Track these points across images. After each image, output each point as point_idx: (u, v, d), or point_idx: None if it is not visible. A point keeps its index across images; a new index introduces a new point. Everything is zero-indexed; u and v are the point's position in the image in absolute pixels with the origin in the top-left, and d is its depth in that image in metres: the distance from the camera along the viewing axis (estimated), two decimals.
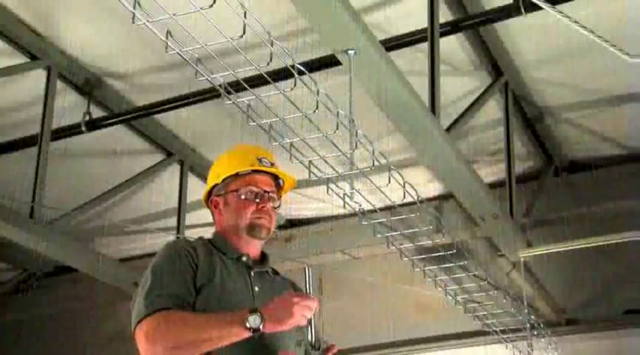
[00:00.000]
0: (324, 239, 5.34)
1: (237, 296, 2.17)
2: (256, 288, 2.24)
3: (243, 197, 2.30)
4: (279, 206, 2.40)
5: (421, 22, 3.13)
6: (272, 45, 1.73)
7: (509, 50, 3.81)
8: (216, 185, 2.39)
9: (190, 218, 4.86)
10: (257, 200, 2.30)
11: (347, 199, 2.11)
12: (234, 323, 1.91)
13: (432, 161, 3.07)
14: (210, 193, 2.42)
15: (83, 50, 3.84)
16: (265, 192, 2.32)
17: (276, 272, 2.40)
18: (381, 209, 2.38)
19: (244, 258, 2.30)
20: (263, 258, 2.39)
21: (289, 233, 5.54)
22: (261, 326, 1.89)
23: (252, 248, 2.34)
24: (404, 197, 2.22)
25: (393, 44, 3.31)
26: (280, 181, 2.42)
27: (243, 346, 2.09)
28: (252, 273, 2.27)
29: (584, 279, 4.70)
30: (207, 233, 2.46)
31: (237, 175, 2.34)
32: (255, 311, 1.89)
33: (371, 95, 2.55)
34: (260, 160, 2.32)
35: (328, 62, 3.32)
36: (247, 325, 1.88)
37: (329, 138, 1.94)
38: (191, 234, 4.97)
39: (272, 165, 2.34)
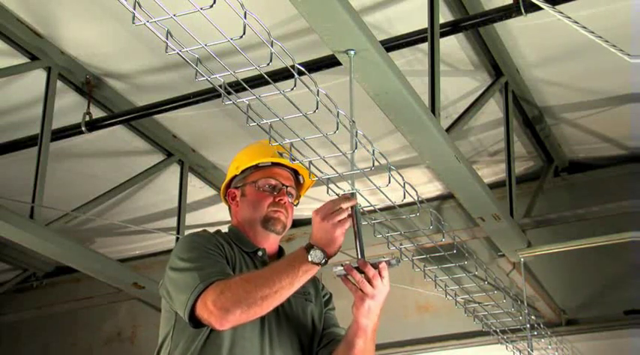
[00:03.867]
0: None
1: None
2: None
3: (261, 189, 2.29)
4: (297, 203, 2.39)
5: (421, 22, 3.13)
6: (272, 45, 1.73)
7: (509, 50, 3.81)
8: (234, 177, 2.38)
9: (190, 218, 4.86)
10: (275, 192, 2.29)
11: None
12: (300, 262, 1.89)
13: (432, 161, 3.07)
14: (227, 186, 2.41)
15: (83, 50, 3.84)
16: (284, 185, 2.31)
17: None
18: (381, 209, 2.38)
19: (260, 253, 2.28)
20: (280, 253, 2.37)
21: (290, 233, 5.54)
22: (325, 259, 1.88)
23: (269, 243, 2.32)
24: (404, 197, 2.22)
25: (393, 44, 3.31)
26: (300, 178, 2.42)
27: (251, 345, 2.08)
28: None
29: (584, 279, 4.70)
30: None
31: (256, 167, 2.33)
32: (310, 248, 1.88)
33: (371, 95, 2.55)
34: (281, 155, 2.30)
35: (328, 62, 3.32)
36: (313, 260, 1.86)
37: (329, 139, 1.94)
38: None
39: (292, 160, 2.35)
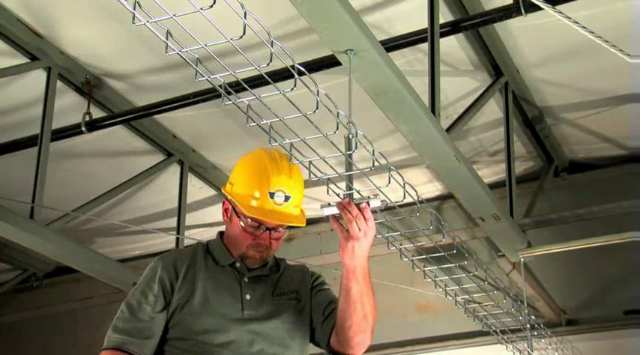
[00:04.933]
0: (324, 239, 5.35)
1: (221, 310, 2.15)
2: (247, 296, 2.20)
3: (243, 225, 2.22)
4: (283, 235, 2.28)
5: (421, 22, 3.13)
6: (272, 45, 1.72)
7: (509, 50, 3.81)
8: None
9: (190, 218, 4.86)
10: (259, 232, 2.21)
11: None
12: None
13: (432, 161, 3.07)
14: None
15: (83, 50, 3.84)
16: (268, 229, 2.21)
17: (278, 269, 2.35)
18: (381, 209, 2.38)
19: (237, 264, 2.27)
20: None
21: (289, 233, 5.53)
22: None
23: None
24: (404, 197, 2.22)
25: (393, 44, 3.31)
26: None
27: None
28: (245, 279, 2.25)
29: (584, 279, 4.70)
30: (207, 233, 2.46)
31: None
32: None
33: (371, 95, 2.55)
34: (272, 195, 2.19)
35: (328, 62, 3.32)
36: None
37: (329, 139, 1.93)
38: (191, 235, 4.98)
39: (286, 199, 2.21)
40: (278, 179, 2.20)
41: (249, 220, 2.20)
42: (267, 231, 2.21)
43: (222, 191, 2.36)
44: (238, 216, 2.22)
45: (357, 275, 2.05)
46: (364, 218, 1.98)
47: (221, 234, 2.36)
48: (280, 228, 2.25)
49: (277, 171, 2.21)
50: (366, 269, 2.07)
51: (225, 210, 2.32)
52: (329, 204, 2.01)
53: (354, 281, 2.06)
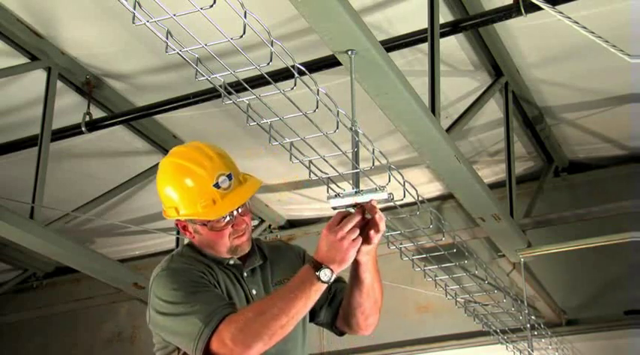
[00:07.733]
0: None
1: (241, 305, 2.14)
2: (254, 291, 2.21)
3: (216, 228, 2.17)
4: (250, 209, 2.26)
5: (421, 22, 3.14)
6: (272, 45, 1.73)
7: (510, 50, 3.81)
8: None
9: None
10: (231, 220, 2.18)
11: None
12: (311, 283, 1.89)
13: (432, 161, 3.07)
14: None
15: (83, 50, 3.84)
16: (237, 210, 2.18)
17: (262, 253, 2.31)
18: (382, 209, 2.37)
19: (232, 261, 2.25)
20: (253, 247, 2.29)
21: (289, 233, 5.55)
22: (333, 276, 1.90)
23: None
24: (404, 197, 2.22)
25: (393, 44, 3.31)
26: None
27: None
28: (245, 274, 2.25)
29: (584, 279, 4.70)
30: None
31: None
32: (318, 267, 1.88)
33: (371, 95, 2.55)
34: (217, 186, 2.13)
35: (328, 62, 3.33)
36: (324, 280, 1.88)
37: (329, 138, 1.93)
38: None
39: (229, 178, 2.15)
40: (206, 170, 2.13)
41: (219, 220, 2.15)
42: (237, 214, 2.17)
43: (168, 218, 2.25)
44: (204, 225, 2.16)
45: (369, 266, 2.09)
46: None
47: (189, 245, 2.29)
48: (245, 207, 2.21)
49: (199, 165, 2.14)
50: (374, 259, 2.10)
51: (184, 228, 2.23)
52: (336, 195, 1.96)
53: (367, 272, 2.09)
